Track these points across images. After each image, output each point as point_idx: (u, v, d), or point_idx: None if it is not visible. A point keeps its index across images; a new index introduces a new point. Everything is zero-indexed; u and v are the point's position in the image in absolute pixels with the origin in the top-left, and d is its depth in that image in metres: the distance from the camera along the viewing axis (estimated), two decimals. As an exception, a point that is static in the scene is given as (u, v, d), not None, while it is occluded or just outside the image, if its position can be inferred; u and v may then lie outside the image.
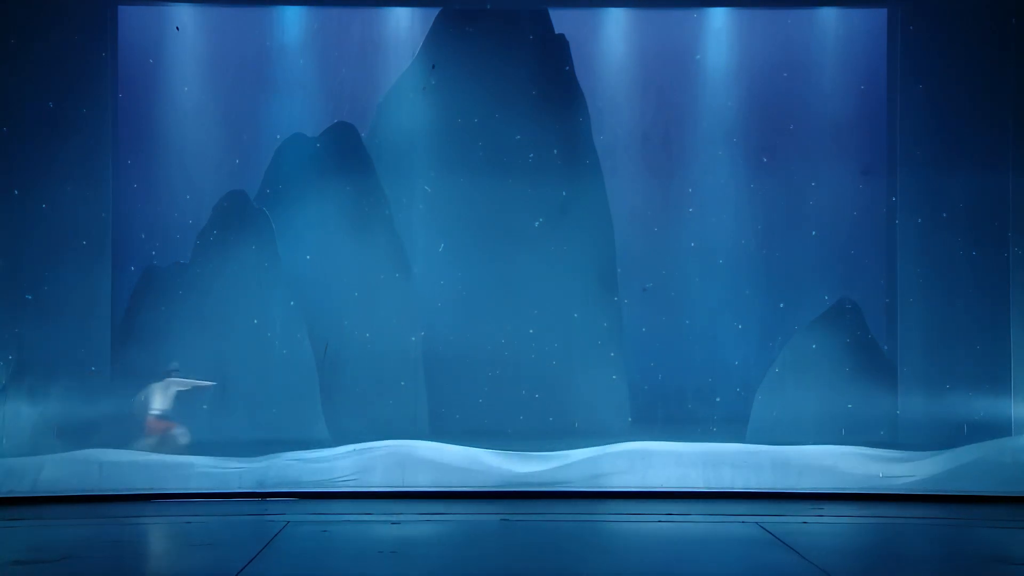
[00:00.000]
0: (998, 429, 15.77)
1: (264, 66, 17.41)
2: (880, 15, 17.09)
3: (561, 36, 17.33)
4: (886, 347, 16.83)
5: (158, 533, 13.21)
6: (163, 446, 15.78)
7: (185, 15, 17.17)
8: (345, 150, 17.23)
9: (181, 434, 16.00)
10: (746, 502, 15.06)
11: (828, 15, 17.34)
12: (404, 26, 17.46)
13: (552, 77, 17.32)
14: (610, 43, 17.58)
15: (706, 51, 17.52)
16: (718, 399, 17.28)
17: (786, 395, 16.59)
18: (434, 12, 17.30)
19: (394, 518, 13.80)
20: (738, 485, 15.77)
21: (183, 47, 17.20)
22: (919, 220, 16.38)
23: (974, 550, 12.49)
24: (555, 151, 17.27)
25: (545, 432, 16.46)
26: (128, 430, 16.29)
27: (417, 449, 16.01)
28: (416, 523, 13.65)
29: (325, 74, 17.47)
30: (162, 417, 15.86)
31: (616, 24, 17.55)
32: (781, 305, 17.28)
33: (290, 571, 11.22)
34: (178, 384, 15.92)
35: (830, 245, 17.29)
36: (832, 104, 17.29)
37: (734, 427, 16.71)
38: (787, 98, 17.42)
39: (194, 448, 15.93)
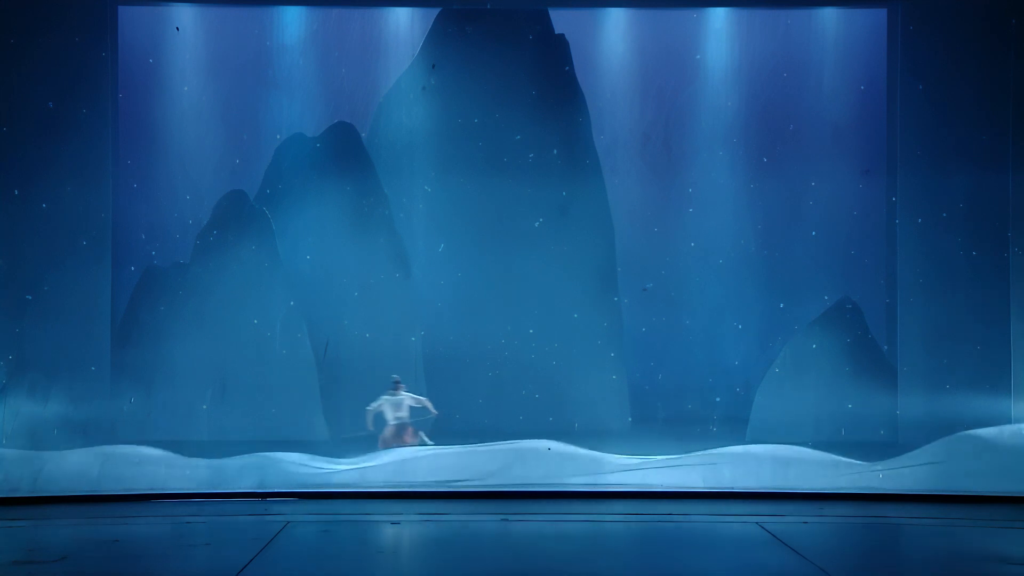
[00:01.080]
0: (998, 429, 15.76)
1: (264, 66, 17.43)
2: (880, 15, 17.09)
3: (561, 36, 17.32)
4: (886, 347, 16.83)
5: (158, 533, 13.20)
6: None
7: (185, 15, 17.18)
8: (345, 150, 17.23)
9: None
10: (746, 502, 15.04)
11: (828, 15, 17.36)
12: (404, 26, 17.48)
13: (552, 77, 17.32)
14: (610, 43, 17.59)
15: (706, 51, 17.54)
16: (718, 399, 17.29)
17: (786, 395, 16.59)
18: (434, 12, 17.31)
19: (394, 518, 13.79)
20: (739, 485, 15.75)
21: (183, 47, 17.21)
22: (919, 220, 16.37)
23: (974, 550, 12.48)
24: (555, 151, 17.26)
25: (546, 432, 16.45)
26: (129, 429, 16.32)
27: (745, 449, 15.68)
28: (416, 523, 13.64)
29: (325, 74, 17.48)
30: (402, 425, 16.16)
31: (616, 24, 17.56)
32: (781, 305, 17.28)
33: (290, 571, 11.23)
34: (410, 399, 16.36)
35: (830, 245, 17.31)
36: (832, 104, 17.31)
37: (734, 427, 16.72)
38: (787, 98, 17.45)
39: (196, 448, 15.92)
